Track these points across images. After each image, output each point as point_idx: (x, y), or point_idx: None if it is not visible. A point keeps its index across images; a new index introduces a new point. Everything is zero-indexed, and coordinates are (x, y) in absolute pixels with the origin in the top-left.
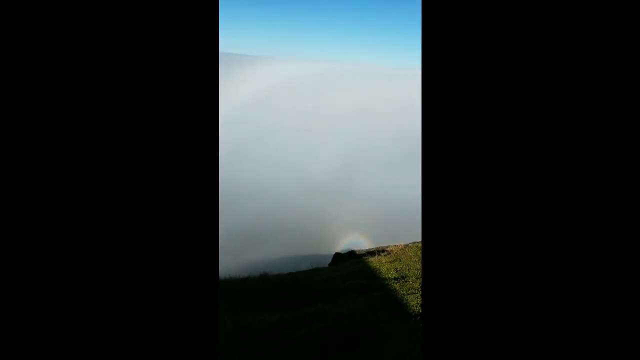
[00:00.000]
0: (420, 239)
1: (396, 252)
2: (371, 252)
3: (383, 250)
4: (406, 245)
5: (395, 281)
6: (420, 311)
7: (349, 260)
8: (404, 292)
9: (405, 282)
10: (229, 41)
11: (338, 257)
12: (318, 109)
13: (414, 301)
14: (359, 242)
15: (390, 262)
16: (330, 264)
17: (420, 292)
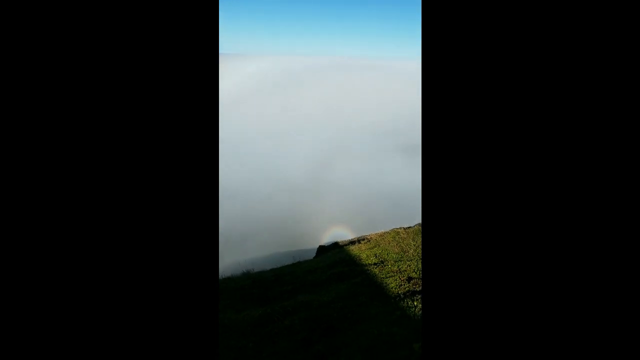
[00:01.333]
0: (398, 225)
1: (375, 239)
2: (353, 242)
3: (364, 239)
4: (385, 232)
5: (375, 266)
6: (399, 292)
7: (331, 251)
8: (383, 275)
9: (384, 266)
10: None
11: (322, 249)
12: (291, 104)
13: (393, 283)
14: (343, 233)
15: (369, 248)
16: (314, 257)
17: (400, 274)
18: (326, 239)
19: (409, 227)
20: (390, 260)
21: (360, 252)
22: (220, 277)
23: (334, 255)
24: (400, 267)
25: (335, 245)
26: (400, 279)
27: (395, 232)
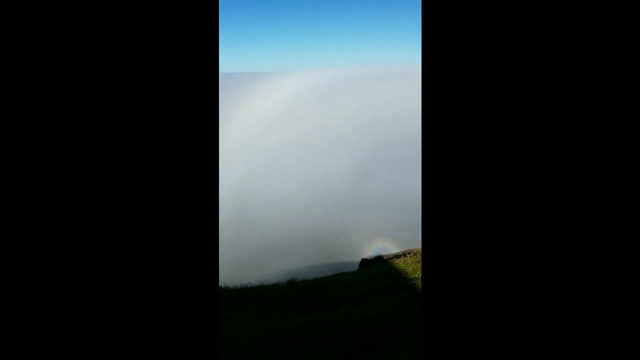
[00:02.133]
0: None
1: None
2: (398, 256)
3: (410, 252)
4: None
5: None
6: None
7: (375, 264)
8: None
9: None
10: (235, 60)
11: (365, 263)
12: (329, 117)
13: None
14: (386, 247)
15: (416, 262)
16: (357, 270)
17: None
18: (369, 252)
19: None
20: None
21: (406, 265)
22: (266, 283)
23: (378, 269)
24: None
25: (378, 259)
26: None
27: None
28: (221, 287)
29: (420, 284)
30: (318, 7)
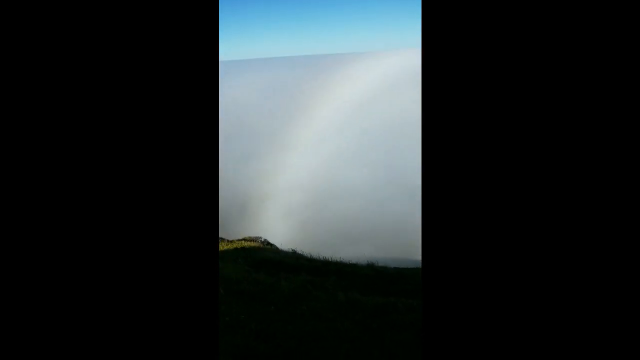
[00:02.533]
0: None
1: None
2: None
3: None
4: None
5: None
6: None
7: None
8: None
9: None
10: (325, 42)
11: None
12: (417, 102)
13: None
14: None
15: None
16: None
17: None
18: None
19: None
20: None
21: None
22: (346, 261)
23: None
24: None
25: None
26: None
27: None
28: (304, 256)
29: None
30: None
